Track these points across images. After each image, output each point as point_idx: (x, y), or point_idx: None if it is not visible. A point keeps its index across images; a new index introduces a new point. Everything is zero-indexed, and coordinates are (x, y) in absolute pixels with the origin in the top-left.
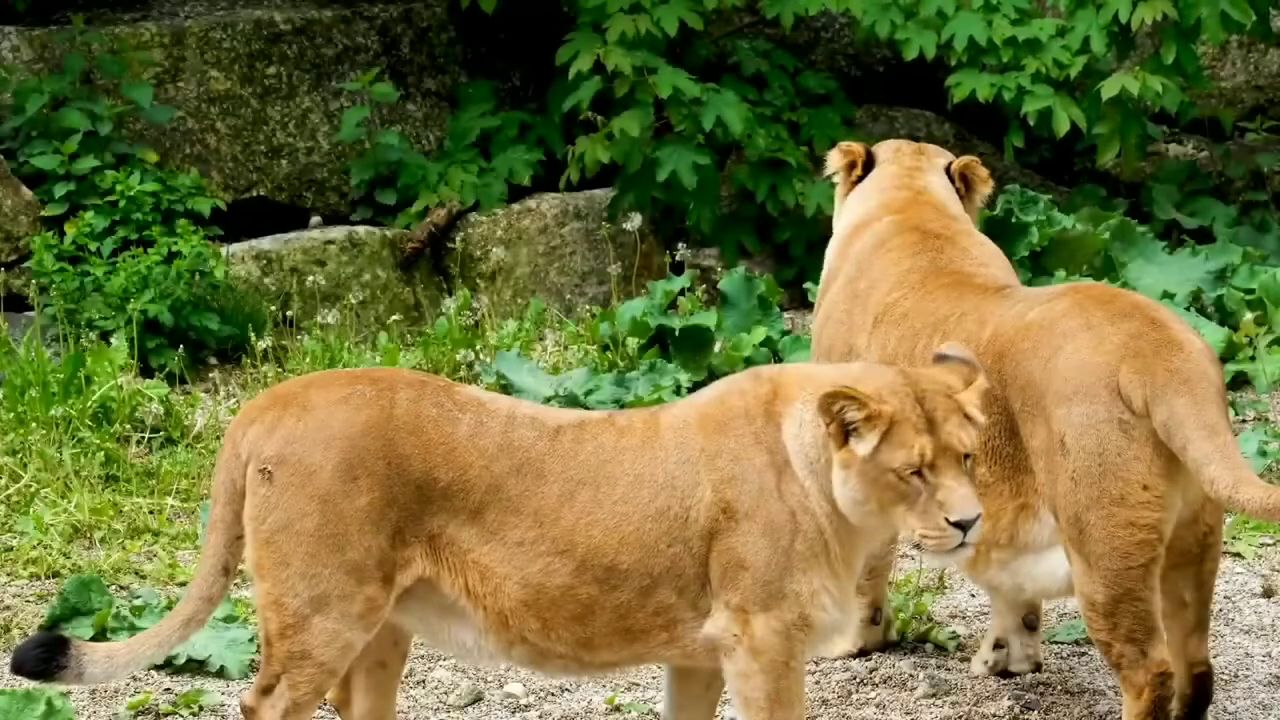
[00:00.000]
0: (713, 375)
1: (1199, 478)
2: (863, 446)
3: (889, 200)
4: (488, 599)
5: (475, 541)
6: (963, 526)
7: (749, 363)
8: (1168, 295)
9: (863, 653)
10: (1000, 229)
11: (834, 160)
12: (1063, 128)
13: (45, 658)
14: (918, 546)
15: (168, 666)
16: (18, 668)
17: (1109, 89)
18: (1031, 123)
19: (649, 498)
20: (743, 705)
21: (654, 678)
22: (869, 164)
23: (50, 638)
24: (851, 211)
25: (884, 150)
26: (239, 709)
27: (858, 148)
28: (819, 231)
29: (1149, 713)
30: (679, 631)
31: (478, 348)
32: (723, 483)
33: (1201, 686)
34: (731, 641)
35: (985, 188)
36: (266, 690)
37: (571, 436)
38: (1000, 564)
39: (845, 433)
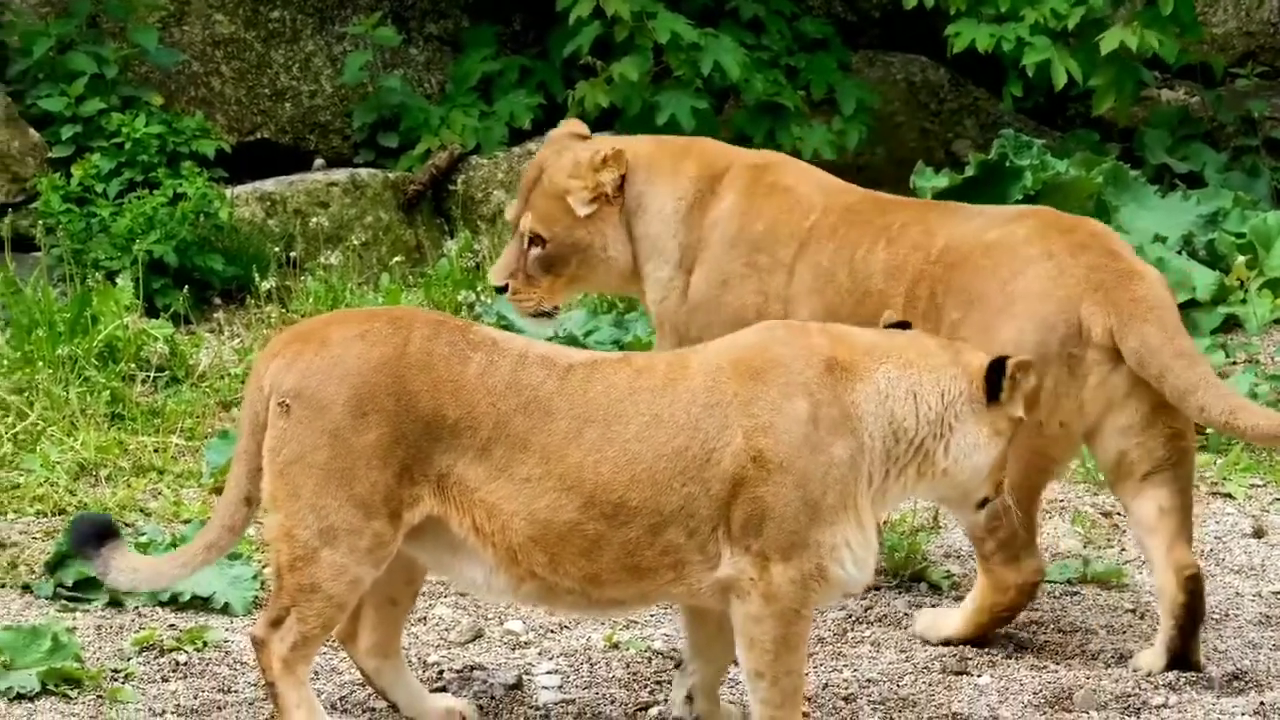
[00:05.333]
0: None
1: (1183, 404)
2: (1017, 409)
3: (708, 158)
4: (495, 536)
5: (483, 479)
6: None
7: None
8: (1159, 239)
9: None
10: (994, 173)
11: (606, 176)
12: (1060, 80)
13: (89, 534)
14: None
15: (172, 603)
16: (75, 523)
17: (1108, 43)
18: (1030, 74)
19: (666, 437)
20: (747, 646)
21: (652, 616)
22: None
23: (108, 524)
24: (665, 193)
25: (641, 145)
26: (249, 641)
27: (624, 150)
28: None
29: (1006, 609)
30: (685, 572)
31: (479, 289)
32: (756, 430)
33: (1194, 589)
34: (747, 585)
35: None
36: (276, 622)
37: (582, 375)
38: None
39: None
